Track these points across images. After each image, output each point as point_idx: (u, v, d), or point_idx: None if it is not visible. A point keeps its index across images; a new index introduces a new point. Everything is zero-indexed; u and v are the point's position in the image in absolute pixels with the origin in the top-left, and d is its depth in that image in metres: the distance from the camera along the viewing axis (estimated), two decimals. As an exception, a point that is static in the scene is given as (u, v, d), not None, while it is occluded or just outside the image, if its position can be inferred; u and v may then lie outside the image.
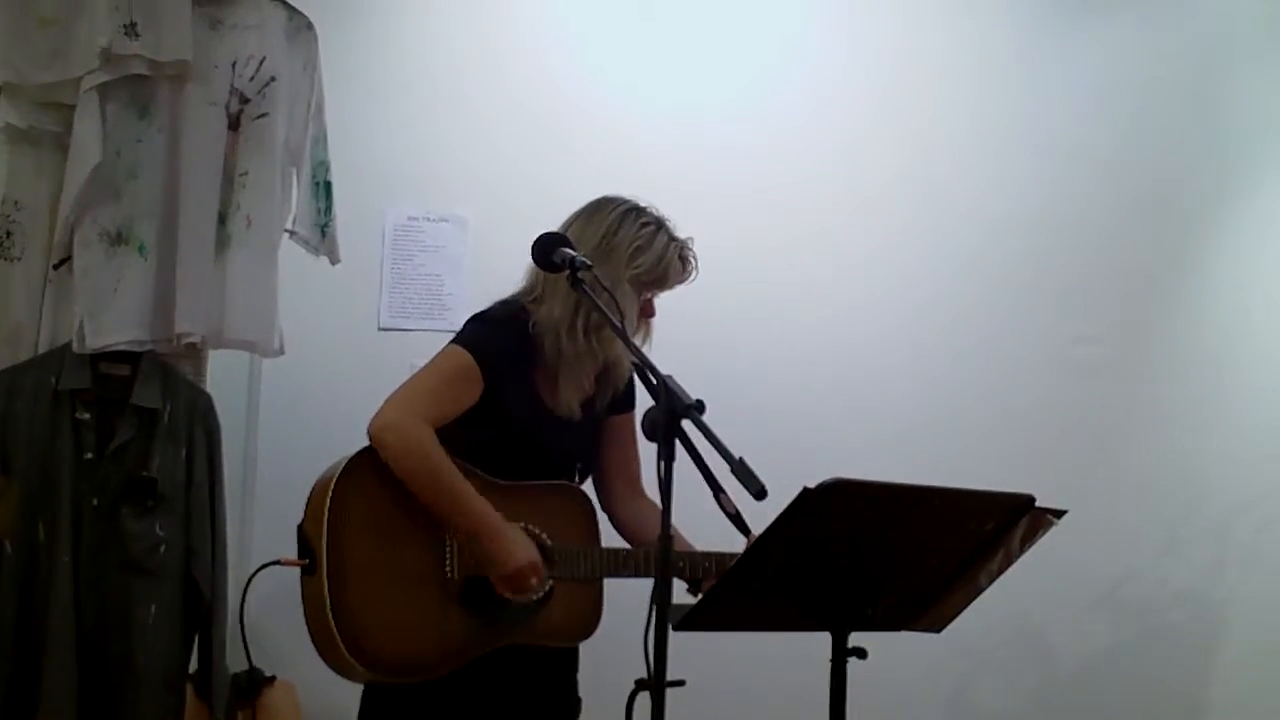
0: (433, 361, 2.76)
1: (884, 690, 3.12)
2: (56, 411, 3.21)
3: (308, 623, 2.64)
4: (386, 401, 2.69)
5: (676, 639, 2.19)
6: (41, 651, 3.13)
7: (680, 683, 2.20)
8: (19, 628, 3.15)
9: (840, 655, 2.33)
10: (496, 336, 2.77)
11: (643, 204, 2.86)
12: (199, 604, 3.29)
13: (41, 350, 3.30)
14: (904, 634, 2.50)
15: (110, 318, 3.24)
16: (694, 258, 2.87)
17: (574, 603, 2.75)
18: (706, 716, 3.07)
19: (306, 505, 2.69)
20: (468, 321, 2.83)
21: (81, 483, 3.20)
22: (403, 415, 2.65)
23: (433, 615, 2.65)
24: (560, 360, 2.77)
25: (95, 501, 3.20)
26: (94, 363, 3.23)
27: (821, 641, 2.36)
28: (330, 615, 2.57)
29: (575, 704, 2.93)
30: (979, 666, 4.07)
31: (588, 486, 2.95)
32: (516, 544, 2.66)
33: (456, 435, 2.70)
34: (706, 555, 2.80)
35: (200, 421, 3.33)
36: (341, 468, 2.67)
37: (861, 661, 2.35)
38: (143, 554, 3.22)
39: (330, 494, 2.63)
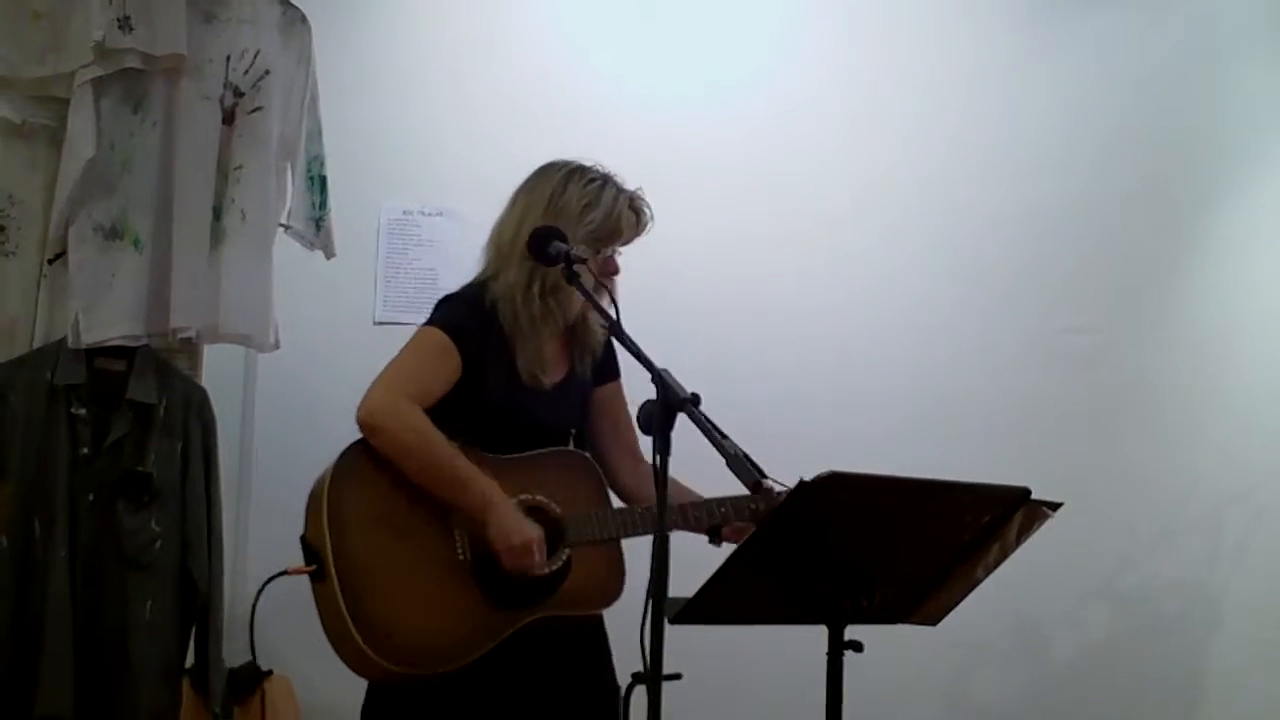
0: (407, 344, 2.75)
1: (880, 682, 3.12)
2: (52, 407, 3.20)
3: (325, 628, 2.59)
4: (370, 387, 2.67)
5: (673, 632, 2.19)
6: (38, 647, 3.13)
7: (677, 676, 2.20)
8: (15, 623, 3.15)
9: (837, 648, 2.34)
10: (465, 312, 2.77)
11: (587, 163, 2.85)
12: (195, 599, 3.29)
13: (36, 345, 3.30)
14: (900, 627, 2.51)
15: (105, 313, 3.23)
16: (647, 207, 2.85)
17: (594, 568, 2.72)
18: (703, 710, 3.07)
19: (306, 515, 2.64)
20: (436, 304, 2.82)
21: (77, 478, 3.20)
22: (389, 397, 2.64)
23: (452, 601, 2.62)
24: (517, 326, 2.75)
25: (91, 497, 3.20)
26: (89, 358, 3.23)
27: (818, 635, 2.37)
28: (348, 618, 2.53)
29: (612, 690, 2.83)
30: (974, 658, 4.08)
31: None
32: (512, 522, 2.63)
33: (447, 415, 2.69)
34: (720, 501, 2.76)
35: (196, 416, 3.33)
36: (333, 467, 2.64)
37: (858, 654, 2.35)
38: (139, 549, 3.22)
39: (326, 496, 2.60)
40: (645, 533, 2.73)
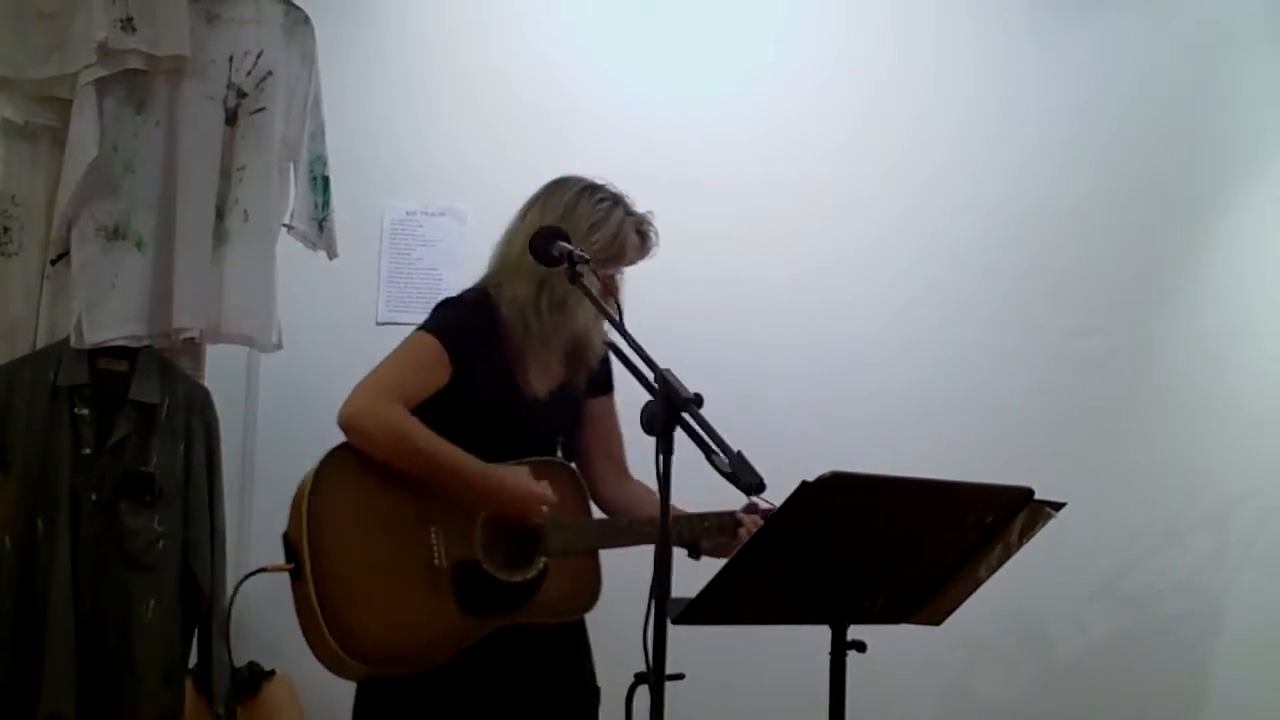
0: (398, 347, 2.77)
1: (883, 682, 3.13)
2: (55, 407, 3.21)
3: (301, 627, 2.62)
4: (354, 389, 2.69)
5: (676, 632, 2.19)
6: (41, 646, 3.13)
7: (680, 676, 2.20)
8: (19, 623, 3.15)
9: (840, 648, 2.33)
10: (462, 319, 2.78)
11: (599, 182, 2.86)
12: (198, 598, 3.29)
13: (39, 346, 3.31)
14: (903, 626, 2.51)
15: (108, 313, 3.24)
16: (654, 232, 2.86)
17: (570, 577, 2.74)
18: (706, 710, 3.08)
19: (290, 513, 2.67)
20: (435, 308, 2.84)
21: (80, 478, 3.20)
22: (370, 398, 2.67)
23: (425, 605, 2.64)
24: (528, 338, 2.77)
25: (94, 497, 3.21)
26: (92, 358, 3.23)
27: (821, 634, 2.36)
28: (320, 617, 2.56)
29: (592, 691, 2.89)
30: (977, 658, 4.07)
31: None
32: (507, 477, 2.67)
33: (433, 422, 2.71)
34: (703, 516, 2.78)
35: (198, 416, 3.33)
36: (316, 467, 2.67)
37: (861, 654, 2.35)
38: (141, 549, 3.22)
39: (306, 496, 2.64)
40: (623, 545, 2.76)
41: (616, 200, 2.84)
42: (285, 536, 2.66)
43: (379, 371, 2.73)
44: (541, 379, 2.80)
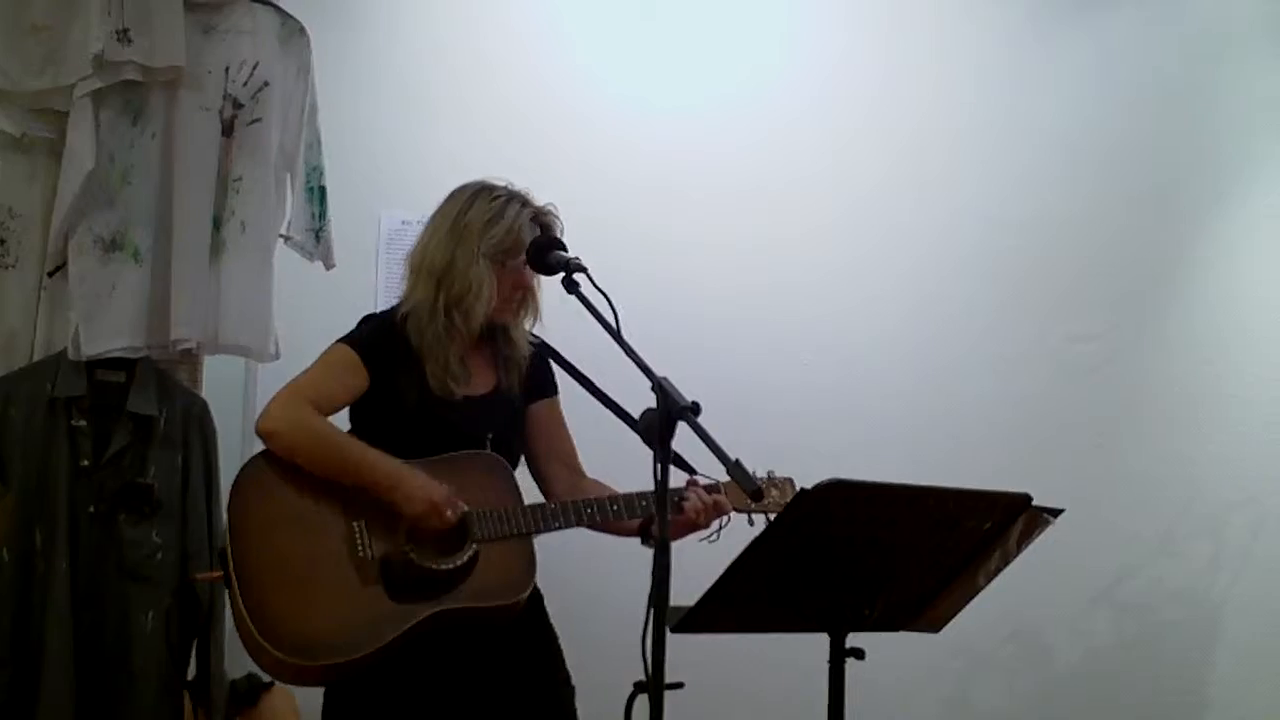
0: (317, 359, 2.86)
1: (882, 690, 3.12)
2: (52, 419, 3.21)
3: (239, 636, 2.68)
4: (270, 399, 2.78)
5: (675, 641, 2.19)
6: (39, 658, 3.13)
7: (679, 685, 2.21)
8: (17, 635, 3.15)
9: (839, 656, 2.34)
10: (375, 330, 2.87)
11: (496, 182, 2.92)
12: (196, 610, 3.28)
13: (36, 358, 3.30)
14: (902, 634, 2.51)
15: (105, 324, 3.24)
16: (557, 223, 2.90)
17: (502, 563, 2.77)
18: (705, 719, 3.07)
19: None
20: (358, 323, 2.92)
21: (78, 490, 3.20)
22: (285, 404, 2.75)
23: (353, 596, 2.68)
24: (423, 341, 2.82)
25: (92, 509, 3.20)
26: (89, 370, 3.24)
27: (820, 642, 2.36)
28: (248, 617, 2.62)
29: (566, 687, 2.91)
30: (977, 666, 4.08)
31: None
32: (418, 484, 2.70)
33: (364, 427, 2.81)
34: (642, 495, 2.81)
35: (196, 427, 3.33)
36: (234, 479, 2.76)
37: (859, 662, 2.35)
38: (140, 561, 3.22)
39: (228, 505, 2.73)
40: (553, 529, 2.80)
41: (511, 195, 2.89)
42: (220, 550, 2.73)
43: (296, 382, 2.81)
44: (454, 380, 2.84)
